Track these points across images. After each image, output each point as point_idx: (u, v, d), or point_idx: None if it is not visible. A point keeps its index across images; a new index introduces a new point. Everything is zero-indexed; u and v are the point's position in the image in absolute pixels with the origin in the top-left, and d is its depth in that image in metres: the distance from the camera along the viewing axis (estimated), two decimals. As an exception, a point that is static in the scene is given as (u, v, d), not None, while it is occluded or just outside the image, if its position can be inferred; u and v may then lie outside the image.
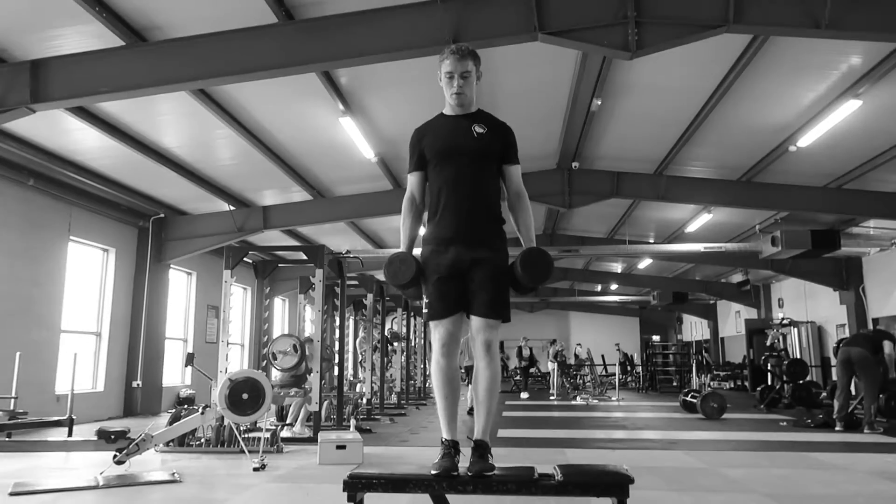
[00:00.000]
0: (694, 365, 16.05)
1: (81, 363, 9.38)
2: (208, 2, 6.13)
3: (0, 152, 8.63)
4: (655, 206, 13.50)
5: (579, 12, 5.68)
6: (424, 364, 16.35)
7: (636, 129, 9.84)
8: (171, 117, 8.57)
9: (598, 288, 26.47)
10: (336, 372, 9.41)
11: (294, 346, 7.56)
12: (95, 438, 6.64)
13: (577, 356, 21.88)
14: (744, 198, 11.47)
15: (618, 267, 22.01)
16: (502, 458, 2.95)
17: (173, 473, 5.18)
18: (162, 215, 12.02)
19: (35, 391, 8.94)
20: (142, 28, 6.35)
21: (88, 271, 11.08)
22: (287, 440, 7.15)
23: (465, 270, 2.96)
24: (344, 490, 2.70)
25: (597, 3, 5.68)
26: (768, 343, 13.96)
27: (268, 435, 6.47)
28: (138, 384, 11.41)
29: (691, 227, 14.36)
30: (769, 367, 13.50)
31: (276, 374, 8.17)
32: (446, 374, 2.93)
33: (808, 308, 17.60)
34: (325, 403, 8.86)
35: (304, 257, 8.20)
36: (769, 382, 13.65)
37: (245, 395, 6.03)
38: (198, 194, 11.30)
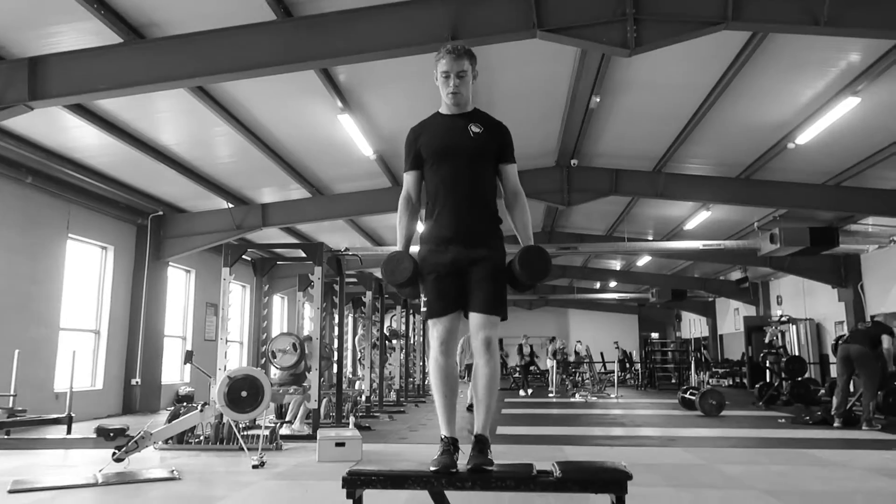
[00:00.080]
0: (693, 362, 16.07)
1: (80, 361, 9.39)
2: (207, -1, 6.13)
3: (-2, 150, 8.63)
4: (654, 204, 13.51)
5: (578, 9, 5.68)
6: (423, 361, 16.36)
7: (635, 126, 9.83)
8: (170, 115, 8.56)
9: (597, 285, 26.48)
10: (335, 369, 9.41)
11: (294, 345, 7.56)
12: (94, 436, 6.64)
13: (577, 353, 21.90)
14: (742, 195, 11.47)
15: (617, 264, 22.03)
16: (501, 455, 2.95)
17: (172, 471, 5.19)
18: (160, 213, 12.01)
19: (34, 389, 8.95)
20: (140, 25, 6.34)
21: (87, 269, 11.07)
22: (286, 438, 7.15)
23: (463, 269, 2.98)
24: (343, 487, 2.69)
25: (595, 0, 5.67)
26: (767, 340, 13.96)
27: (267, 432, 6.47)
28: (137, 382, 11.42)
29: (690, 225, 14.37)
30: (768, 365, 13.50)
31: (275, 373, 8.17)
32: (445, 371, 2.94)
33: (807, 305, 17.61)
34: (325, 401, 8.86)
35: (303, 255, 8.20)
36: (768, 379, 13.65)
37: (244, 393, 6.02)
38: (196, 192, 11.29)
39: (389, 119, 8.97)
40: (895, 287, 13.50)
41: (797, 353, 15.82)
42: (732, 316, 22.96)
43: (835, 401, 9.02)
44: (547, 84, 8.50)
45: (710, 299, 24.32)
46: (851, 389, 9.38)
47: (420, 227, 3.17)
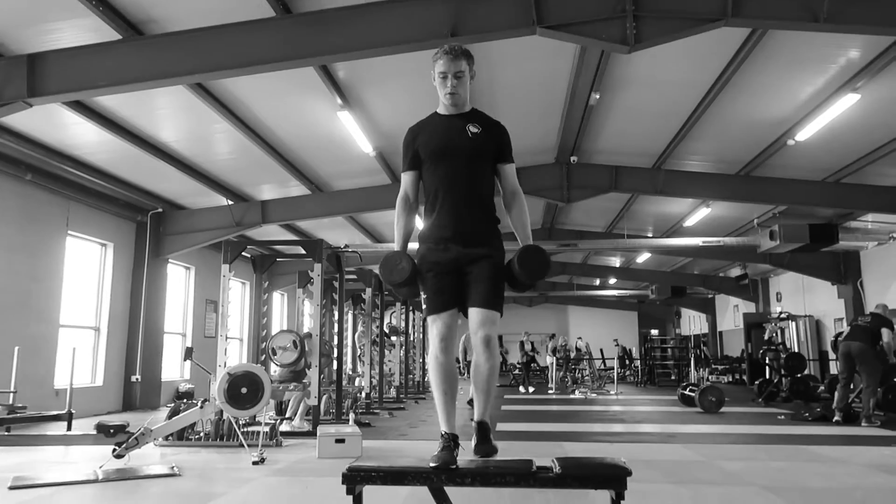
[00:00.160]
0: (692, 359, 16.12)
1: (80, 357, 9.39)
2: (206, -5, 6.12)
3: (-3, 147, 8.62)
4: (654, 201, 13.51)
5: (578, 6, 5.67)
6: (423, 358, 16.37)
7: (635, 123, 9.83)
8: (169, 111, 8.55)
9: (597, 282, 26.50)
10: (335, 366, 9.42)
11: (294, 342, 7.57)
12: (94, 432, 6.63)
13: (577, 349, 21.91)
14: (742, 192, 11.47)
15: (616, 261, 22.02)
16: (501, 452, 2.96)
17: (172, 467, 5.19)
18: (160, 210, 12.01)
19: (34, 385, 8.95)
20: (139, 22, 6.33)
21: (87, 266, 11.07)
22: (286, 434, 7.17)
23: (462, 268, 3.00)
24: (343, 483, 2.70)
25: (595, -3, 5.67)
26: (766, 337, 13.99)
27: (267, 429, 6.47)
28: (137, 378, 11.42)
29: (690, 222, 14.37)
30: (767, 361, 13.52)
31: (274, 369, 8.18)
32: (444, 368, 2.95)
33: (806, 302, 17.62)
34: (324, 397, 8.87)
35: (303, 252, 8.20)
36: (767, 376, 13.67)
37: (244, 389, 6.03)
38: (196, 189, 11.28)
39: (389, 116, 8.97)
40: (895, 284, 13.51)
41: (797, 350, 15.82)
42: (732, 312, 22.97)
43: (836, 396, 9.04)
44: (547, 80, 8.49)
45: (710, 296, 24.34)
46: (852, 386, 9.40)
47: (419, 225, 3.18)
